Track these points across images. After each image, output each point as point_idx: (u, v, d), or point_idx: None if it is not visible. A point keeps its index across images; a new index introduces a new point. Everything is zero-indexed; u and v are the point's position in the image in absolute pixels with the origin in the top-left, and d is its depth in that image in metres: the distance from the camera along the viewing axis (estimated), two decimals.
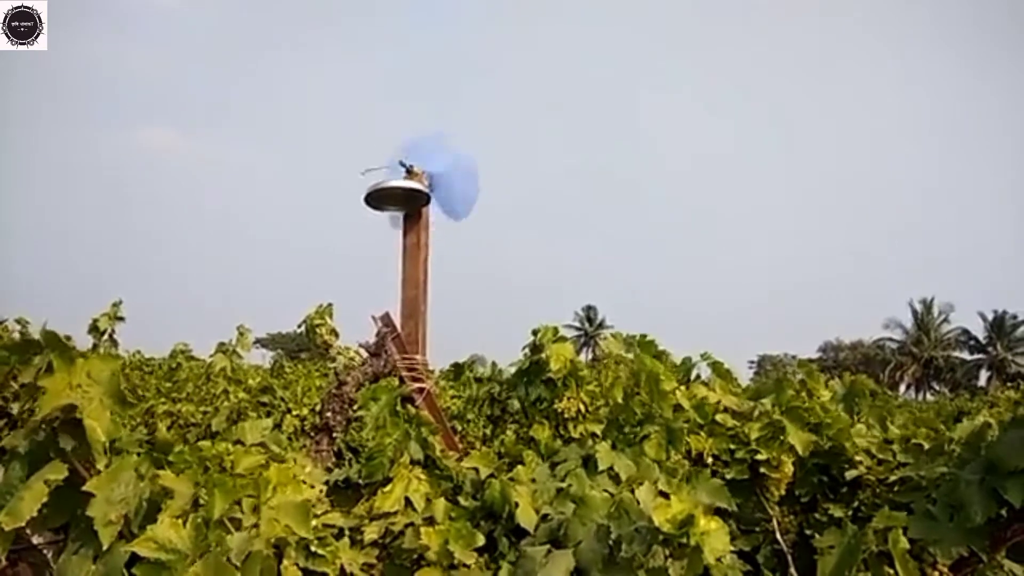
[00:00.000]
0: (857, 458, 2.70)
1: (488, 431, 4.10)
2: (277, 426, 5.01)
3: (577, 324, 62.04)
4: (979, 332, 53.47)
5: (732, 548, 2.47)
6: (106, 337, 3.71)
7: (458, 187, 3.29)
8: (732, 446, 2.79)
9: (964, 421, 2.64)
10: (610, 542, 1.94)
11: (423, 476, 2.62)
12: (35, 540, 2.15)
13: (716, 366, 3.10)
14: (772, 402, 2.82)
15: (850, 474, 2.68)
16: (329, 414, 2.89)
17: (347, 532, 2.44)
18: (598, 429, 3.00)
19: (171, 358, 7.20)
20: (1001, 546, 2.19)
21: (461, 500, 2.54)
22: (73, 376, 1.89)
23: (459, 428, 4.52)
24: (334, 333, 3.21)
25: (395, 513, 2.48)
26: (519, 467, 2.59)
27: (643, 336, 2.99)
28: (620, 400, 2.90)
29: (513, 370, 3.36)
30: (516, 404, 3.46)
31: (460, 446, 3.00)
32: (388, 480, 2.56)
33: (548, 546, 2.16)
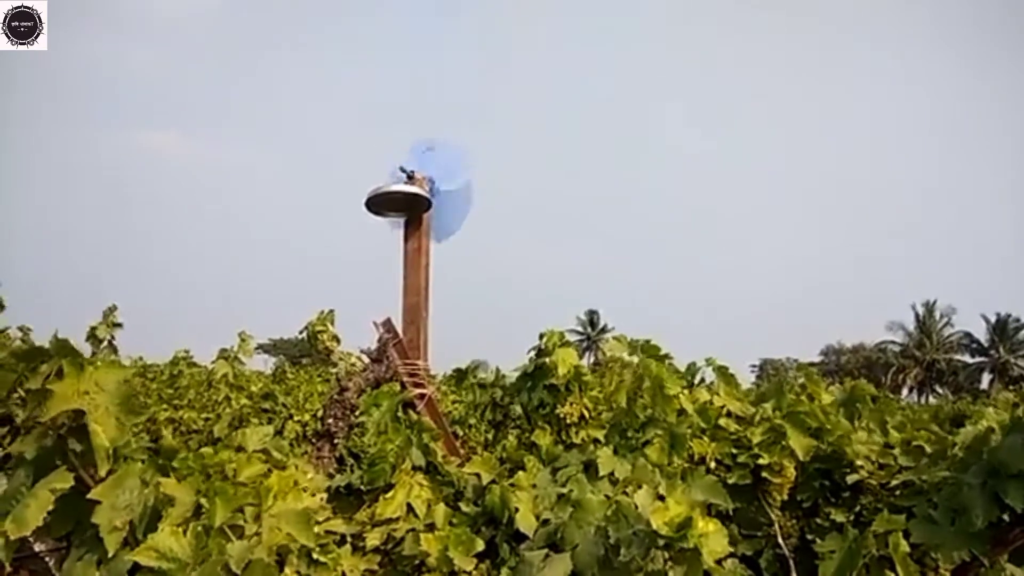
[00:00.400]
0: (858, 463, 2.69)
1: (490, 436, 4.10)
2: (279, 432, 5.02)
3: (579, 328, 61.99)
4: (982, 335, 53.41)
5: (734, 552, 2.48)
6: (105, 344, 3.70)
7: (457, 210, 3.31)
8: (734, 450, 2.79)
9: (966, 425, 2.64)
10: (608, 546, 1.94)
11: (425, 482, 2.62)
12: (36, 548, 2.15)
13: (721, 371, 3.11)
14: (773, 407, 2.82)
15: (851, 478, 2.68)
16: (331, 420, 2.89)
17: (349, 539, 2.45)
18: (600, 435, 3.00)
19: (172, 364, 7.19)
20: (1003, 550, 2.19)
21: (462, 506, 2.55)
22: (81, 383, 1.90)
23: (461, 433, 4.52)
24: (336, 339, 3.21)
25: (397, 519, 2.48)
26: (520, 473, 2.59)
27: (647, 340, 2.99)
28: (624, 404, 2.91)
29: (516, 375, 3.37)
30: (518, 409, 3.46)
31: (462, 451, 3.00)
32: (390, 486, 2.57)
33: (546, 550, 2.16)
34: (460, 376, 5.25)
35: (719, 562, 1.81)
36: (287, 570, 1.97)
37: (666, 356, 2.96)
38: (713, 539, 1.77)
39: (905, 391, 52.78)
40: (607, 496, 2.35)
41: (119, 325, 3.60)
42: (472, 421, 4.66)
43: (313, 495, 2.14)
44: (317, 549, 2.05)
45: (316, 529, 2.05)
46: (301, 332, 3.28)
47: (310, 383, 7.92)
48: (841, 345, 60.78)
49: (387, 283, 3.24)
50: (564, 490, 2.42)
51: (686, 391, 2.95)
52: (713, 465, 2.77)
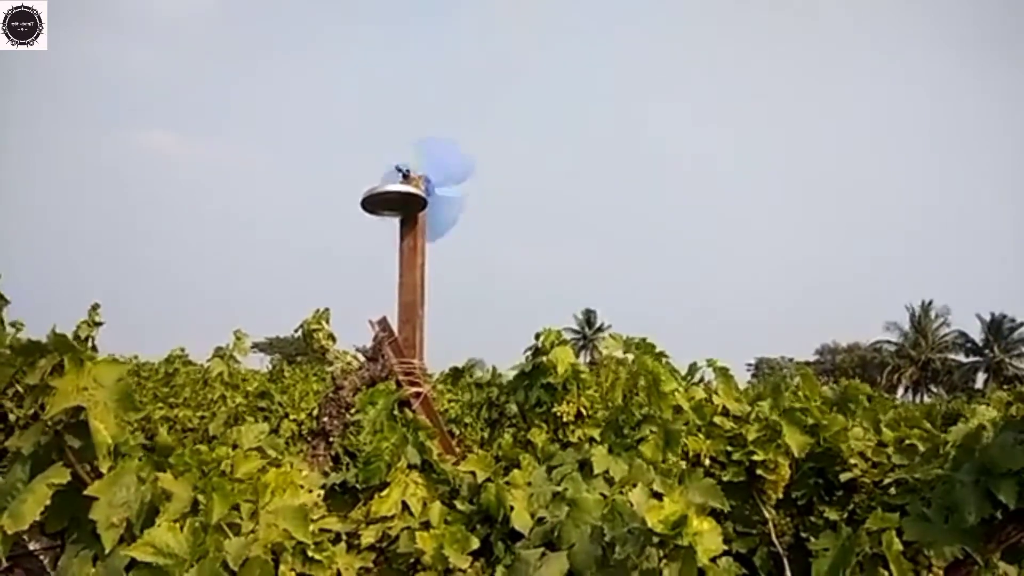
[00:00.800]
0: (852, 461, 2.71)
1: (486, 435, 4.11)
2: (274, 431, 5.01)
3: (576, 328, 62.02)
4: (976, 335, 53.60)
5: (729, 550, 2.49)
6: (89, 345, 3.67)
7: (450, 211, 3.32)
8: (729, 448, 2.81)
9: (959, 423, 2.66)
10: (604, 544, 1.95)
11: (420, 480, 2.62)
12: (31, 546, 2.15)
13: (721, 371, 3.12)
14: (770, 405, 2.84)
15: (844, 476, 2.69)
16: (326, 419, 2.89)
17: (344, 537, 2.45)
18: (596, 433, 3.01)
19: (167, 363, 7.18)
20: (996, 548, 2.20)
21: (458, 504, 2.55)
22: (80, 379, 1.90)
23: (457, 432, 4.52)
24: (331, 338, 3.21)
25: (392, 517, 2.49)
26: (515, 471, 2.59)
27: (643, 338, 3.00)
28: (620, 401, 2.92)
29: (512, 374, 3.37)
30: (514, 408, 3.47)
31: (458, 450, 3.00)
32: (385, 484, 2.57)
33: (542, 549, 2.16)
34: (456, 375, 5.26)
35: (714, 560, 1.81)
36: (282, 567, 1.97)
37: (662, 354, 2.97)
38: (708, 537, 1.77)
39: (900, 390, 52.95)
40: (603, 495, 2.36)
41: (100, 324, 3.56)
42: (468, 420, 4.67)
43: (309, 492, 2.14)
44: (312, 547, 2.05)
45: (311, 527, 2.06)
46: (297, 330, 3.28)
47: (306, 382, 7.91)
48: (836, 344, 61.00)
49: (383, 281, 3.24)
50: (559, 488, 2.43)
51: (681, 389, 2.96)
52: (708, 463, 2.78)
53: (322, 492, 2.48)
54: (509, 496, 2.43)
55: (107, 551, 1.82)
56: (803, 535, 2.71)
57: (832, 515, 2.66)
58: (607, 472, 2.53)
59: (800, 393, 2.90)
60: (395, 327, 3.06)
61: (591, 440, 2.96)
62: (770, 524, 2.72)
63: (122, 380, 1.96)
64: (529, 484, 2.53)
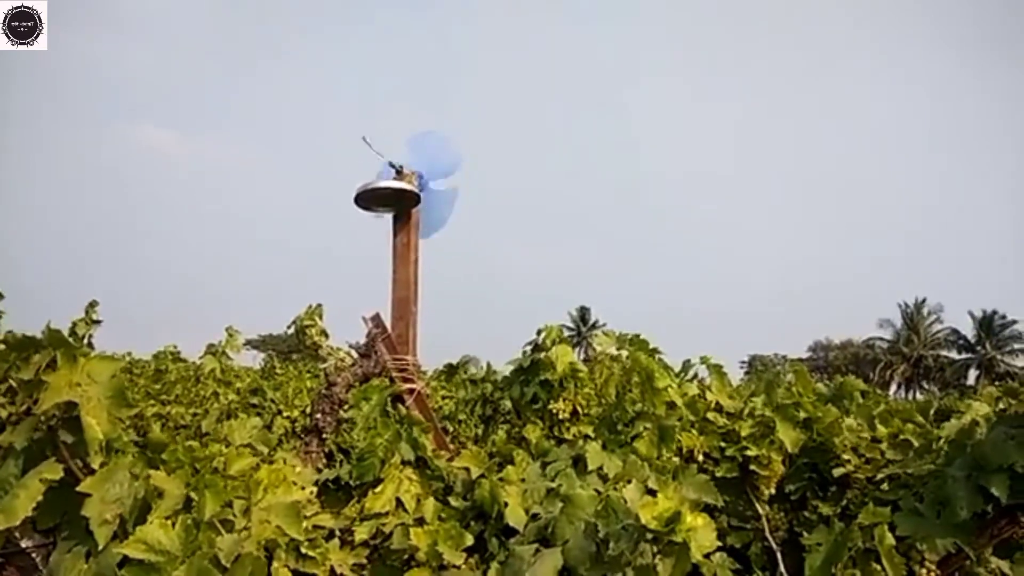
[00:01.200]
0: (845, 456, 2.72)
1: (480, 432, 4.11)
2: (267, 427, 5.00)
3: (571, 324, 62.06)
4: (968, 332, 53.88)
5: (722, 545, 2.49)
6: (85, 342, 3.65)
7: (443, 207, 3.31)
8: (723, 444, 2.81)
9: (952, 419, 2.67)
10: (598, 540, 1.95)
11: (414, 476, 2.62)
12: (23, 543, 2.13)
13: (715, 367, 3.12)
14: (764, 401, 2.84)
15: (837, 472, 2.70)
16: (319, 415, 2.88)
17: (338, 533, 2.44)
18: (591, 431, 3.01)
19: (157, 360, 7.15)
20: (988, 542, 2.21)
21: (451, 500, 2.55)
22: (74, 375, 1.89)
23: (451, 428, 4.52)
24: (324, 334, 3.20)
25: (386, 513, 2.48)
26: (509, 467, 2.59)
27: (636, 335, 3.00)
28: (614, 398, 2.92)
29: (508, 371, 3.37)
30: (508, 404, 3.46)
31: (451, 446, 3.00)
32: (379, 481, 2.57)
33: (536, 545, 2.16)
34: (451, 371, 5.25)
35: (707, 555, 1.82)
36: (275, 564, 1.96)
37: (655, 351, 2.98)
38: (702, 533, 1.77)
39: (893, 387, 53.21)
40: (597, 491, 2.36)
41: (98, 322, 3.55)
42: (462, 416, 4.66)
43: (303, 489, 2.14)
44: (306, 543, 2.05)
45: (304, 523, 2.05)
46: (289, 327, 3.27)
47: (299, 379, 7.89)
48: (829, 341, 61.28)
49: (376, 278, 3.23)
50: (553, 485, 2.43)
51: (675, 385, 2.96)
52: (701, 458, 2.79)
53: (315, 489, 2.47)
54: (503, 492, 2.43)
55: (99, 548, 1.81)
56: (796, 530, 2.72)
57: (825, 510, 2.66)
58: (601, 468, 2.53)
59: (794, 389, 2.91)
60: (388, 323, 3.05)
61: (585, 437, 2.96)
62: (763, 519, 2.72)
63: (115, 376, 1.94)
64: (523, 480, 2.53)
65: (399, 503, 2.52)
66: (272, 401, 5.59)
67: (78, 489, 1.87)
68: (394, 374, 2.93)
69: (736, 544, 2.75)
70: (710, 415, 2.93)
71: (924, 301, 56.03)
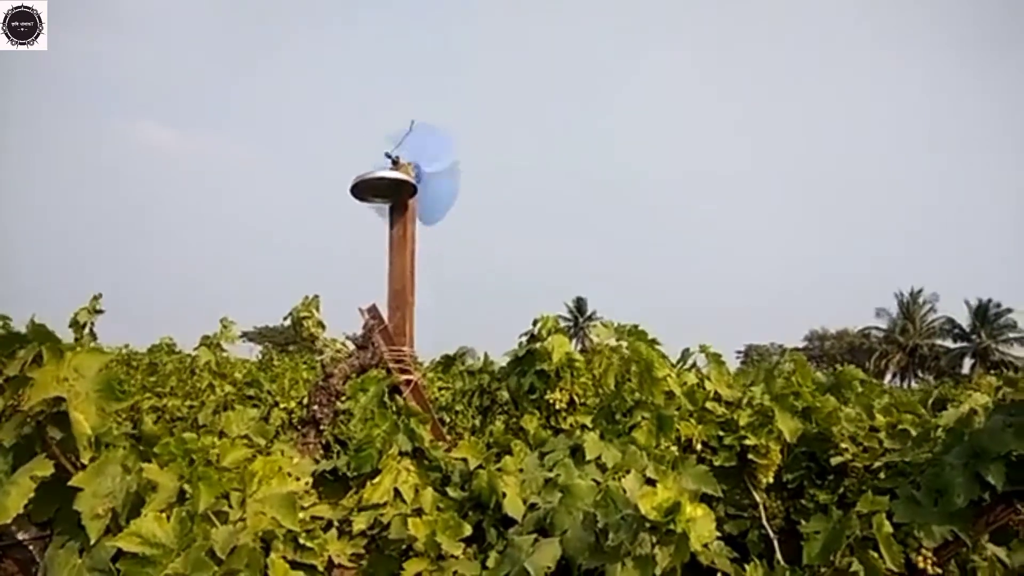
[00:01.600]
0: (843, 445, 2.72)
1: (477, 422, 4.10)
2: (264, 419, 4.99)
3: (567, 315, 62.07)
4: (964, 320, 54.03)
5: (720, 533, 2.50)
6: (87, 331, 3.64)
7: (445, 193, 3.28)
8: (721, 433, 2.81)
9: (949, 408, 2.67)
10: (597, 530, 1.95)
11: (412, 467, 2.61)
12: (20, 536, 2.13)
13: (714, 357, 3.12)
14: (762, 390, 2.84)
15: (835, 460, 2.70)
16: (316, 407, 2.87)
17: (336, 524, 2.43)
18: (588, 420, 3.01)
19: (151, 353, 7.11)
20: (984, 529, 2.21)
21: (449, 491, 2.54)
22: (61, 369, 1.87)
23: (448, 419, 4.51)
24: (321, 325, 3.18)
25: (384, 504, 2.47)
26: (507, 457, 2.58)
27: (634, 325, 3.00)
28: (612, 388, 2.91)
29: (505, 361, 3.36)
30: (505, 395, 3.45)
31: (448, 438, 2.99)
32: (377, 472, 2.56)
33: (535, 535, 2.16)
34: (448, 363, 5.23)
35: (705, 544, 1.81)
36: (273, 555, 1.95)
37: (654, 341, 2.97)
38: (701, 524, 1.77)
39: (888, 376, 53.39)
40: (596, 481, 2.35)
41: (101, 311, 3.54)
42: (459, 407, 4.65)
43: (298, 480, 2.12)
44: (303, 534, 2.04)
45: (302, 515, 2.04)
46: (286, 318, 3.25)
47: (295, 370, 7.88)
48: (825, 331, 61.43)
49: (373, 269, 3.22)
50: (552, 475, 2.42)
51: (674, 375, 2.96)
52: (700, 448, 2.79)
53: (312, 479, 2.46)
54: (501, 482, 2.42)
55: (92, 542, 1.80)
56: (794, 518, 2.72)
57: (823, 498, 2.67)
58: (599, 458, 2.53)
59: (793, 379, 2.91)
60: (385, 315, 3.04)
61: (583, 427, 2.96)
62: (761, 507, 2.72)
63: (104, 370, 1.92)
64: (521, 471, 2.53)
65: (397, 494, 2.51)
66: (268, 393, 5.57)
67: (69, 484, 1.85)
68: (391, 365, 2.92)
69: (733, 532, 2.75)
70: (709, 404, 2.93)
71: (920, 291, 56.20)
